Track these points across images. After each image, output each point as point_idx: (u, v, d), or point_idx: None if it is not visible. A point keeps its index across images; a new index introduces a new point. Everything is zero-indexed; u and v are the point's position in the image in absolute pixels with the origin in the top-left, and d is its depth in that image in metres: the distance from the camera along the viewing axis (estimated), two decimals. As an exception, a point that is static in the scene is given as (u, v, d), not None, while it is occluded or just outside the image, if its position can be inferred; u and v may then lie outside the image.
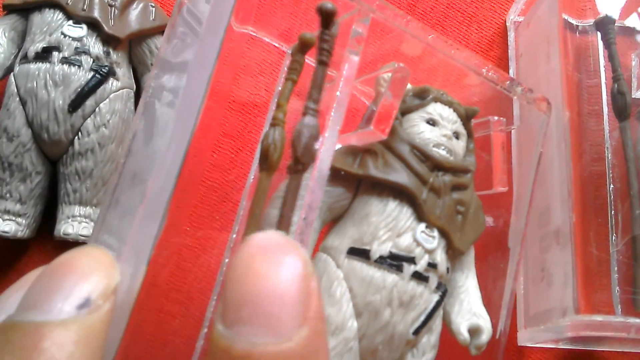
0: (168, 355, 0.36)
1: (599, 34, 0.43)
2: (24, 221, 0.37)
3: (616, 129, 0.41)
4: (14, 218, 0.36)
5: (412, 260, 0.30)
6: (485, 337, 0.32)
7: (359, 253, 0.30)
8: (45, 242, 0.39)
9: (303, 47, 0.30)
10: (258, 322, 0.17)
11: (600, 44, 0.43)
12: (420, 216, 0.31)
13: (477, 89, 0.37)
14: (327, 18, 0.28)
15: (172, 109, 0.26)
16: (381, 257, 0.30)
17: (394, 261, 0.30)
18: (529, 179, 0.36)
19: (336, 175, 0.31)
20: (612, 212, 0.40)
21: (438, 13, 0.47)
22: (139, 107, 0.27)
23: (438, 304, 0.31)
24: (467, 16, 0.47)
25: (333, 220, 0.32)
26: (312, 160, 0.26)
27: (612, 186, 0.40)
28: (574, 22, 0.44)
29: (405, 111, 0.33)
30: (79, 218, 0.36)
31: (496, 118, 0.37)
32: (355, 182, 0.32)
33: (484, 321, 0.32)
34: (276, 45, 0.37)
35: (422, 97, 0.33)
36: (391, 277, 0.30)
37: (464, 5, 0.48)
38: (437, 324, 0.32)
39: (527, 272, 0.40)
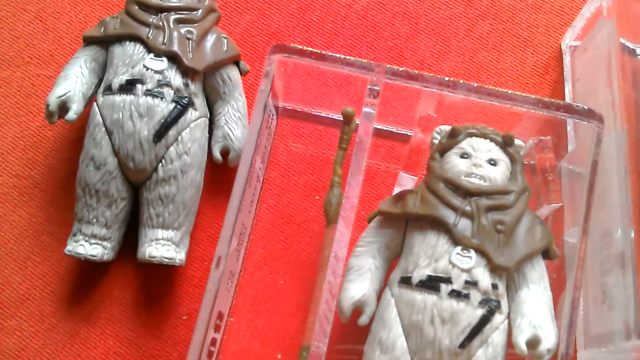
0: None
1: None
2: (109, 245, 0.39)
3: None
4: (100, 242, 0.38)
5: (448, 281, 0.33)
6: (543, 347, 0.33)
7: (405, 281, 0.35)
8: (124, 263, 0.41)
9: (347, 120, 0.39)
10: None
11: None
12: (454, 240, 0.34)
13: (528, 122, 0.40)
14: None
15: None
16: (421, 281, 0.34)
17: (432, 283, 0.34)
18: (584, 190, 0.37)
19: (385, 218, 0.37)
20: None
21: (495, 38, 0.49)
22: None
23: (485, 318, 0.33)
24: (523, 40, 0.49)
25: (397, 257, 0.37)
26: None
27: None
28: (631, 46, 0.45)
29: (442, 151, 0.37)
30: (162, 241, 0.38)
31: (537, 139, 0.39)
32: (403, 222, 0.37)
33: (544, 332, 0.34)
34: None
35: (454, 135, 0.37)
36: (431, 298, 0.33)
37: (520, 30, 0.49)
38: (494, 337, 0.34)
39: (586, 293, 0.41)
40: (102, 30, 0.40)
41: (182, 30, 0.40)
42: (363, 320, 0.35)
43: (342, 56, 0.37)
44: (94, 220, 0.38)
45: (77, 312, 0.41)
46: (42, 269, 0.41)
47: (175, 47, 0.39)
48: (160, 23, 0.39)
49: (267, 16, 0.48)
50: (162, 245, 0.38)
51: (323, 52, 0.37)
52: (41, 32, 0.46)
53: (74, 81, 0.39)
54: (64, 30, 0.47)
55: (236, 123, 0.41)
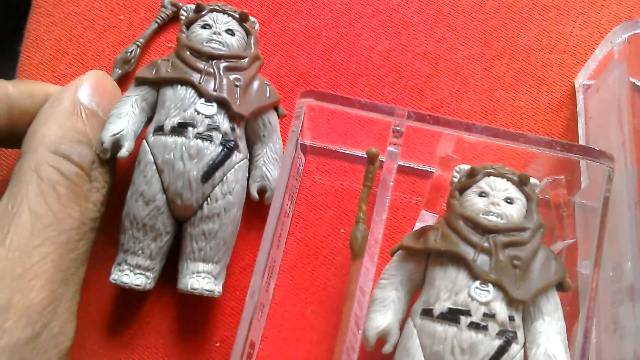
0: None
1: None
2: (151, 275, 0.41)
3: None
4: (144, 272, 0.41)
5: (468, 313, 0.36)
6: None
7: (426, 312, 0.37)
8: (162, 293, 0.44)
9: (371, 159, 0.42)
10: None
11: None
12: (473, 275, 0.36)
13: (543, 160, 0.42)
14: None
15: None
16: (442, 314, 0.36)
17: (452, 315, 0.36)
18: (596, 224, 0.40)
19: (408, 252, 0.40)
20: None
21: (510, 77, 0.51)
22: None
23: (502, 349, 0.36)
24: (538, 79, 0.51)
25: (419, 289, 0.39)
26: None
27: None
28: (641, 85, 0.48)
29: (462, 189, 0.40)
30: (202, 274, 0.40)
31: (551, 178, 0.42)
32: (425, 256, 0.39)
33: None
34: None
35: (473, 175, 0.40)
36: (451, 329, 0.36)
37: (535, 69, 0.51)
38: None
39: (599, 323, 0.43)
40: (154, 71, 0.42)
41: (231, 77, 0.42)
42: (387, 349, 0.38)
43: (367, 101, 0.39)
44: (140, 251, 0.40)
45: (117, 339, 0.43)
46: (84, 297, 0.43)
47: (225, 94, 0.41)
48: (211, 70, 0.42)
49: (294, 58, 0.51)
50: (202, 278, 0.40)
51: (350, 97, 0.40)
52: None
53: (126, 120, 0.41)
54: (103, 72, 0.50)
55: (273, 164, 0.44)
